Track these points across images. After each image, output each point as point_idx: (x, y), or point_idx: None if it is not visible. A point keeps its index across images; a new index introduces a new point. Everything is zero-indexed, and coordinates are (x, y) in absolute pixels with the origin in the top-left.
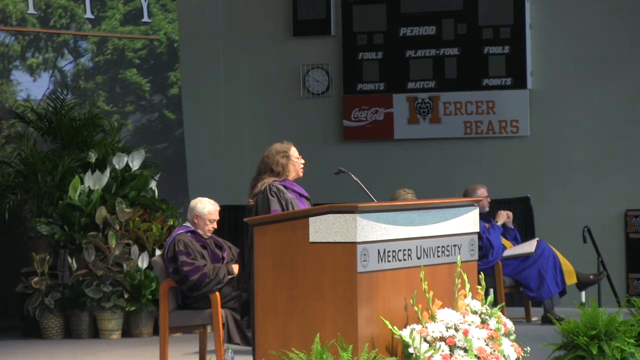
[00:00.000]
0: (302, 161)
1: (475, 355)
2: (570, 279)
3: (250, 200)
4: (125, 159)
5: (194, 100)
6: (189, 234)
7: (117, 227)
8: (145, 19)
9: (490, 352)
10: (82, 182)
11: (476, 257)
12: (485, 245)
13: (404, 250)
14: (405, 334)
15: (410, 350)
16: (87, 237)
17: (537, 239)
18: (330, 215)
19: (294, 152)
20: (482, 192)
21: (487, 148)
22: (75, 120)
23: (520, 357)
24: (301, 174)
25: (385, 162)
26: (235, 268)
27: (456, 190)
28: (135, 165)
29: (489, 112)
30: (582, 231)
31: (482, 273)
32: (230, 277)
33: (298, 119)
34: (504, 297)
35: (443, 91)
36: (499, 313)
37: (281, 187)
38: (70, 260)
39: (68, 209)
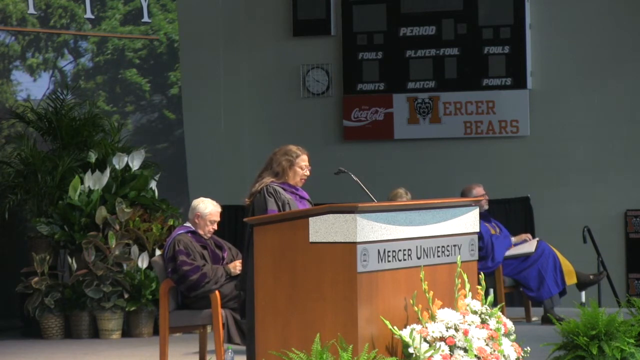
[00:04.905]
0: (307, 173)
1: (475, 355)
2: (570, 279)
3: (247, 199)
4: (125, 159)
5: (194, 100)
6: (189, 234)
7: (117, 227)
8: (145, 19)
9: (490, 352)
10: (82, 182)
11: (476, 257)
12: (486, 246)
13: (404, 250)
14: (405, 334)
15: (410, 350)
16: (87, 237)
17: (537, 239)
18: (330, 215)
19: (301, 161)
20: (478, 191)
21: (487, 148)
22: (75, 120)
23: (520, 357)
24: (300, 184)
25: (385, 162)
26: (233, 267)
27: (456, 190)
28: (135, 165)
29: (489, 112)
30: (582, 231)
31: (482, 273)
32: (228, 277)
33: (298, 119)
34: (504, 297)
35: (443, 91)
36: (499, 313)
37: (278, 189)
38: (70, 260)
39: (68, 209)
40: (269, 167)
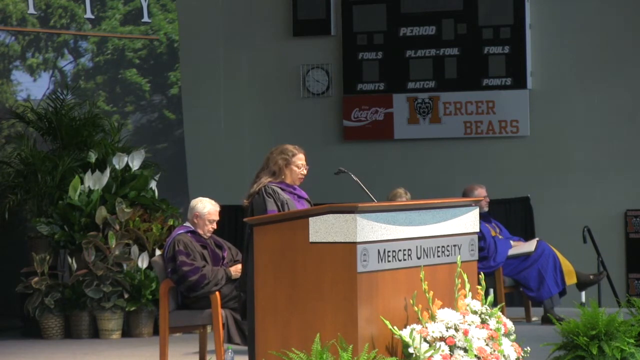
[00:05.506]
0: (304, 171)
1: (475, 355)
2: (570, 279)
3: (245, 200)
4: (125, 159)
5: (194, 100)
6: (189, 234)
7: (117, 227)
8: (145, 19)
9: (490, 352)
10: (82, 182)
11: (476, 257)
12: (488, 246)
13: (404, 250)
14: (405, 334)
15: (410, 350)
16: (87, 237)
17: (537, 239)
18: (330, 215)
19: (297, 160)
20: (480, 192)
21: (487, 148)
22: (75, 120)
23: (520, 357)
24: (297, 183)
25: (385, 162)
26: (234, 270)
27: (456, 190)
28: (135, 165)
29: (489, 112)
30: (582, 231)
31: (482, 273)
32: (228, 279)
33: (298, 119)
34: (504, 297)
35: (443, 91)
36: (499, 313)
37: (276, 189)
38: (70, 260)
39: (68, 209)
40: (266, 166)
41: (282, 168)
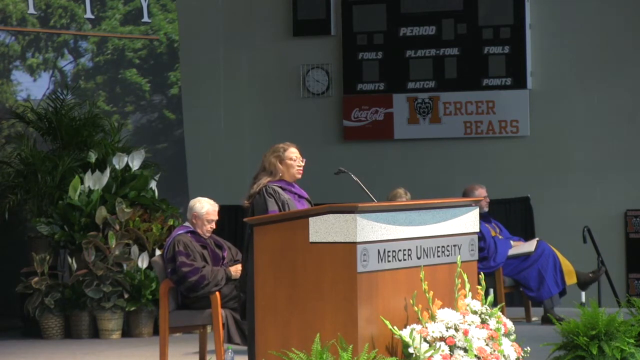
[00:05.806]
0: (300, 164)
1: (475, 355)
2: (570, 279)
3: (246, 201)
4: (125, 159)
5: (194, 100)
6: (189, 234)
7: (117, 227)
8: (145, 19)
9: (490, 352)
10: (82, 182)
11: (476, 257)
12: (488, 246)
13: (404, 250)
14: (405, 334)
15: (410, 350)
16: (87, 237)
17: (537, 239)
18: (330, 215)
19: (290, 153)
20: (480, 192)
21: (487, 148)
22: (75, 120)
23: (520, 357)
24: (298, 176)
25: (385, 162)
26: (234, 270)
27: (456, 190)
28: (135, 165)
29: (489, 112)
30: (582, 231)
31: (482, 273)
32: (227, 280)
33: (298, 119)
34: (504, 297)
35: (443, 91)
36: (499, 313)
37: (277, 189)
38: (70, 260)
39: (68, 209)
40: (263, 169)
41: (277, 165)
